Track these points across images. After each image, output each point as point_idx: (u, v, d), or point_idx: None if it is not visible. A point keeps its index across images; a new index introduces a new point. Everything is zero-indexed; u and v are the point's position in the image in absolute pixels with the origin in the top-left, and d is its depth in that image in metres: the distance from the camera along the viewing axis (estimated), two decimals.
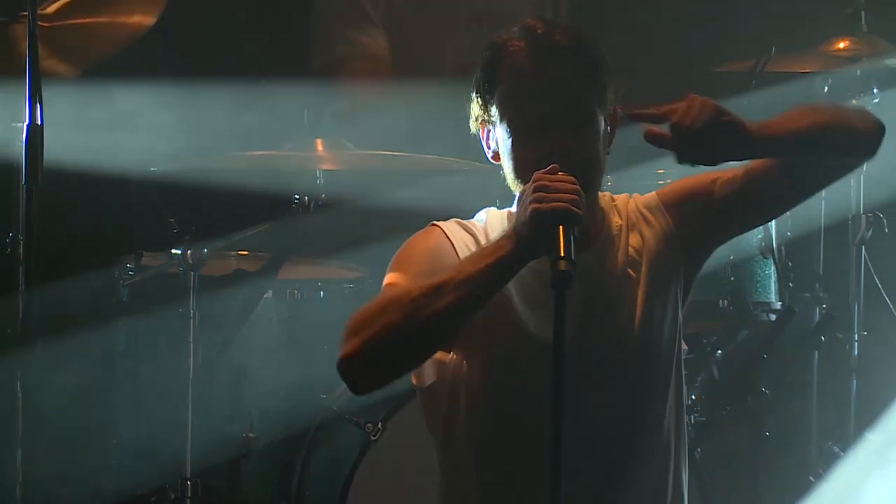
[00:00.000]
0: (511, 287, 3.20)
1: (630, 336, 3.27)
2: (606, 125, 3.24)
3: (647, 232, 3.36)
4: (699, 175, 3.36)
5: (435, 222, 3.32)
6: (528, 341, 3.21)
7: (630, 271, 3.32)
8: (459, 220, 3.34)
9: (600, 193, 3.36)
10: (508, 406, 3.24)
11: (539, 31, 3.20)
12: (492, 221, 3.33)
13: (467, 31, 5.59)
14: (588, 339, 3.21)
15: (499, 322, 3.23)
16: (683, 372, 3.37)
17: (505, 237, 3.07)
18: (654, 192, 3.43)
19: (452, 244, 3.27)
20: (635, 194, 3.43)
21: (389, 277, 3.21)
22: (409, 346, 3.09)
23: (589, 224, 3.21)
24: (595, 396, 3.23)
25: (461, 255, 3.23)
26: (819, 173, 3.31)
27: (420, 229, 3.54)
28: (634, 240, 3.35)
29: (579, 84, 3.19)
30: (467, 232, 3.31)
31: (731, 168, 3.33)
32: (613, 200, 3.41)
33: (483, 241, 3.28)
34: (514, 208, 3.21)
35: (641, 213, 3.39)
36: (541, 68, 3.19)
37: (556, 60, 3.19)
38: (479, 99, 3.23)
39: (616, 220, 3.36)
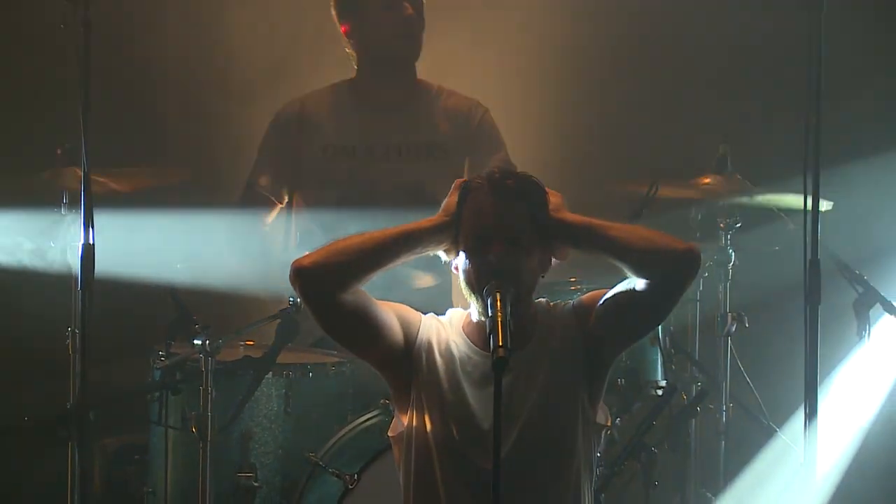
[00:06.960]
0: (460, 370, 3.60)
1: (539, 414, 3.60)
2: (544, 255, 3.60)
3: (560, 332, 3.67)
4: (601, 291, 3.64)
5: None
6: (467, 412, 3.56)
7: (546, 362, 3.64)
8: (435, 314, 3.74)
9: (541, 300, 3.71)
10: (444, 457, 3.56)
11: (497, 176, 3.60)
12: (452, 319, 3.69)
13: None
14: (511, 416, 3.55)
15: (450, 399, 3.60)
16: (594, 437, 3.67)
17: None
18: (570, 301, 3.71)
19: (421, 319, 3.67)
20: (559, 302, 3.74)
21: None
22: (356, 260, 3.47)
23: (522, 325, 3.56)
24: (518, 458, 3.56)
25: (421, 331, 3.61)
26: (654, 300, 3.54)
27: None
28: (553, 340, 3.66)
29: (521, 217, 3.55)
30: (437, 321, 3.68)
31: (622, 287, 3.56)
32: (549, 306, 3.69)
33: (444, 335, 3.62)
34: (471, 311, 3.63)
35: (558, 317, 3.69)
36: (493, 201, 3.57)
37: (505, 197, 3.56)
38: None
39: (543, 324, 3.68)
